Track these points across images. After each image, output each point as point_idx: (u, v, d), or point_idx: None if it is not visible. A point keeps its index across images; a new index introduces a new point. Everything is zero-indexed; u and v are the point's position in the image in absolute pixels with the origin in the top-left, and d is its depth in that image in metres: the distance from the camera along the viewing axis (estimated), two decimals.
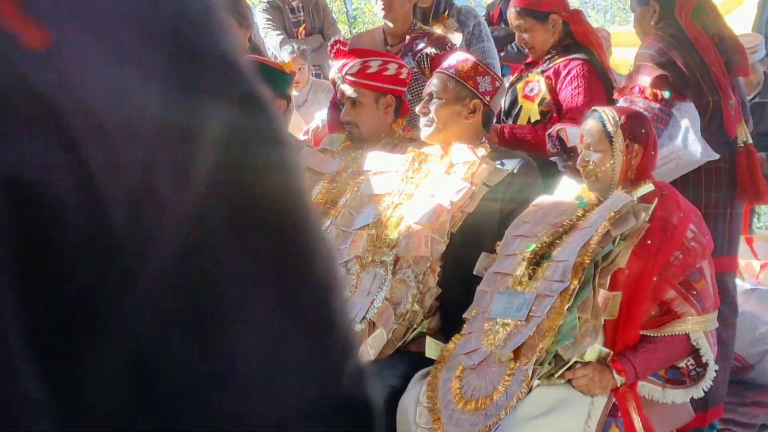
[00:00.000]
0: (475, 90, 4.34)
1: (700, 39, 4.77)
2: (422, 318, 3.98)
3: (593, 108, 4.04)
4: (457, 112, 4.33)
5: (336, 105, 5.15)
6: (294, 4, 8.68)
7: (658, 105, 4.69)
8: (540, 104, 5.02)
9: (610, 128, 3.85)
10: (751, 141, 4.94)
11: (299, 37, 8.44)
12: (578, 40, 5.06)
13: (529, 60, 5.27)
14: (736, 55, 4.91)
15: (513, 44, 8.06)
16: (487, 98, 4.37)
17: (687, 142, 4.53)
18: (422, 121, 4.41)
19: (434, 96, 4.37)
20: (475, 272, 3.98)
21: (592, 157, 3.88)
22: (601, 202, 3.87)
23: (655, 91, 4.69)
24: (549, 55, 5.10)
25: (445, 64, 4.48)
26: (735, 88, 4.93)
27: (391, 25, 5.40)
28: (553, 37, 5.08)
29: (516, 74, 5.30)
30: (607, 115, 3.89)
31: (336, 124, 5.15)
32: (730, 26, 5.07)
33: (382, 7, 5.32)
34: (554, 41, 5.09)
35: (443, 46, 5.29)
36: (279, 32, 8.46)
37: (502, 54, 8.11)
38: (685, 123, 4.62)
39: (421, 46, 5.30)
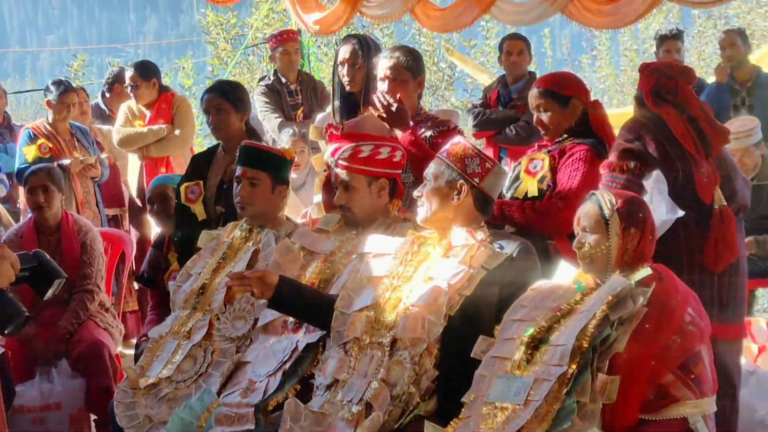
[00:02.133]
0: (462, 172, 4.34)
1: (670, 118, 4.90)
2: (418, 400, 3.96)
3: (591, 192, 4.06)
4: (446, 194, 4.34)
5: (329, 185, 5.18)
6: (292, 87, 8.79)
7: (624, 176, 4.78)
8: (540, 182, 5.06)
9: (606, 211, 3.88)
10: (725, 203, 4.96)
11: (297, 120, 8.51)
12: (593, 128, 5.12)
13: (542, 142, 5.32)
14: (712, 134, 5.01)
15: (512, 126, 8.15)
16: (476, 180, 4.34)
17: (652, 204, 4.55)
18: (418, 204, 4.43)
19: (426, 179, 4.41)
20: (473, 355, 3.97)
21: (587, 239, 3.91)
22: (599, 286, 3.88)
23: (620, 163, 4.80)
24: (560, 138, 5.15)
25: (444, 148, 4.51)
26: (709, 156, 4.99)
27: None
28: (569, 121, 5.15)
29: (529, 152, 5.34)
30: (604, 198, 3.93)
31: (330, 204, 5.18)
32: (706, 110, 5.11)
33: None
34: (569, 125, 5.14)
35: (442, 127, 5.33)
36: (277, 115, 8.55)
37: (500, 137, 8.19)
38: (649, 186, 4.74)
39: (422, 130, 5.33)
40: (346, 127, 5.15)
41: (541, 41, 27.05)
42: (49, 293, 4.02)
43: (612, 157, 4.87)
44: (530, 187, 5.08)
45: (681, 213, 4.73)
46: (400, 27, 19.45)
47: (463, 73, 19.05)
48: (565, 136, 5.15)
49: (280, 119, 8.52)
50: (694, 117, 4.96)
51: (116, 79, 9.84)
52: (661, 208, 4.67)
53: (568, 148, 5.07)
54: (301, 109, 8.74)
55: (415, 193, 4.46)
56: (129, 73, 8.80)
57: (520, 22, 10.64)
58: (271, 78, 8.96)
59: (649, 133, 4.89)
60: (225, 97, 5.97)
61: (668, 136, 4.88)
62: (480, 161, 4.37)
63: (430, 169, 4.41)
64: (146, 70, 8.81)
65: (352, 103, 6.07)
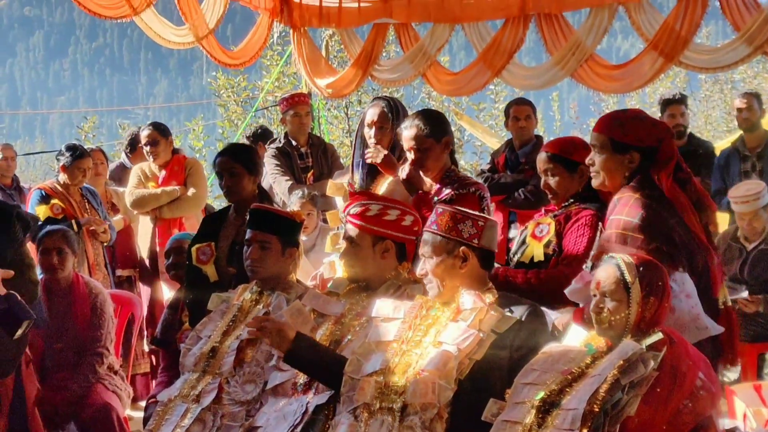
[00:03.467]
0: (459, 239, 4.37)
1: (680, 199, 4.59)
2: None
3: (611, 255, 4.04)
4: (451, 265, 4.36)
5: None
6: (302, 150, 8.80)
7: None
8: (546, 246, 5.05)
9: (628, 278, 3.86)
10: (730, 303, 4.81)
11: (308, 182, 8.54)
12: (600, 194, 5.05)
13: (549, 206, 5.30)
14: (709, 213, 4.74)
15: (521, 191, 8.16)
16: (475, 241, 4.38)
17: (693, 315, 4.42)
18: (425, 281, 4.44)
19: (425, 257, 4.43)
20: (483, 418, 3.96)
21: (607, 304, 3.88)
22: (610, 349, 3.87)
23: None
24: (567, 202, 5.15)
25: (429, 221, 4.52)
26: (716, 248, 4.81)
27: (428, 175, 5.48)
28: (576, 186, 5.13)
29: (536, 216, 5.33)
30: (624, 264, 3.89)
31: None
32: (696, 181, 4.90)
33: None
34: (576, 190, 5.14)
35: (462, 189, 5.34)
36: (287, 178, 8.56)
37: (509, 201, 8.19)
38: (684, 296, 4.41)
39: (446, 191, 5.35)
40: (374, 187, 5.20)
41: (549, 104, 27.20)
42: (19, 333, 4.24)
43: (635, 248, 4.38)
44: (536, 251, 5.07)
45: (721, 329, 4.51)
46: (409, 90, 19.58)
47: (472, 136, 19.18)
48: (571, 200, 5.14)
49: (290, 182, 8.54)
50: (698, 194, 4.72)
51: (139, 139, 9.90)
52: (703, 323, 4.43)
53: (574, 213, 5.06)
54: (311, 171, 8.77)
55: (419, 272, 4.47)
56: (146, 132, 8.83)
57: (531, 87, 10.77)
58: (282, 141, 8.98)
59: (667, 224, 4.49)
60: (238, 161, 5.98)
61: (680, 223, 4.53)
62: (472, 222, 4.41)
63: (426, 246, 4.43)
64: (164, 128, 8.87)
65: (374, 164, 6.10)
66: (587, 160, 4.64)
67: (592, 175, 4.65)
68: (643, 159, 4.54)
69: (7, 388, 5.05)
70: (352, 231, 4.83)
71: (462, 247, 4.36)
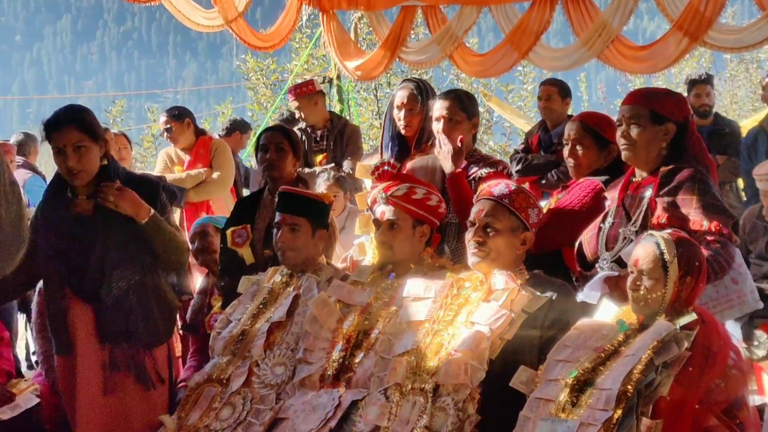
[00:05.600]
0: (526, 222, 4.39)
1: (714, 171, 4.66)
2: None
3: (649, 232, 4.02)
4: (511, 244, 4.39)
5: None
6: (319, 133, 8.76)
7: (729, 244, 4.44)
8: None
9: (667, 257, 3.83)
10: None
11: (319, 165, 8.49)
12: (621, 173, 4.98)
13: (569, 182, 5.27)
14: None
15: (553, 172, 8.14)
16: (534, 230, 4.45)
17: (751, 287, 4.44)
18: (471, 248, 4.43)
19: (489, 225, 4.41)
20: (511, 384, 3.95)
21: (644, 282, 3.86)
22: (642, 326, 3.86)
23: (728, 230, 4.40)
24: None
25: (496, 191, 4.50)
26: None
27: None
28: (601, 163, 5.09)
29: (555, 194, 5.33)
30: (664, 242, 3.87)
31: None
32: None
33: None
34: (599, 167, 5.10)
35: (493, 168, 5.33)
36: None
37: (542, 182, 8.18)
38: (743, 269, 4.52)
39: (474, 169, 5.33)
40: (408, 168, 5.20)
41: (577, 85, 27.06)
42: None
43: (710, 217, 4.37)
44: None
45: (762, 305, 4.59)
46: (438, 72, 19.51)
47: (500, 117, 19.08)
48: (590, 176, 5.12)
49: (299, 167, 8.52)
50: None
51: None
52: (755, 296, 4.51)
53: (584, 182, 5.06)
54: (324, 154, 8.73)
55: (473, 238, 4.45)
56: (161, 119, 8.87)
57: (558, 68, 10.71)
58: (303, 124, 8.95)
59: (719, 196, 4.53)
60: (287, 138, 5.99)
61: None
62: (538, 212, 4.49)
63: (491, 217, 4.41)
64: (178, 112, 8.86)
65: (403, 145, 6.10)
66: (619, 134, 4.61)
67: (622, 148, 4.61)
68: (677, 132, 4.54)
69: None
70: (393, 213, 4.82)
71: (527, 233, 4.41)
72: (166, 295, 5.14)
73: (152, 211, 4.93)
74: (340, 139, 8.85)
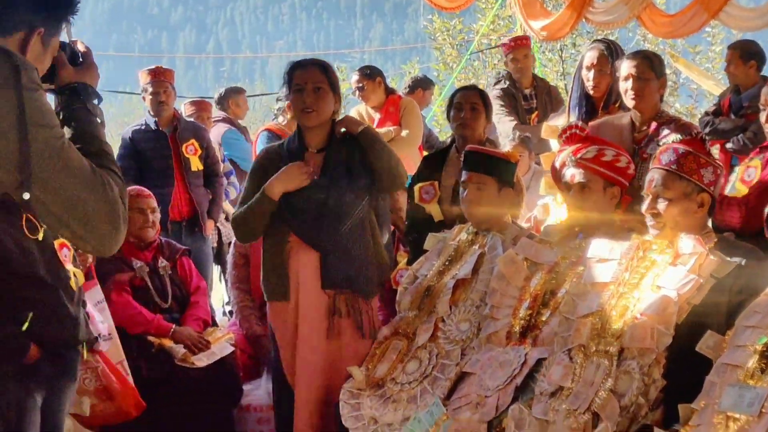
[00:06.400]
0: (700, 183, 4.27)
1: None
2: (647, 410, 3.88)
3: None
4: (686, 209, 4.27)
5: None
6: (527, 91, 8.78)
7: None
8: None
9: None
10: None
11: (532, 124, 8.52)
12: None
13: (765, 143, 5.08)
14: None
15: (739, 137, 7.94)
16: (712, 188, 4.31)
17: None
18: (649, 220, 4.35)
19: (660, 195, 4.33)
20: (697, 348, 3.87)
21: None
22: None
23: None
24: None
25: (664, 158, 4.39)
26: None
27: (639, 114, 5.37)
28: None
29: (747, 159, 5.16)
30: None
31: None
32: None
33: (633, 96, 5.30)
34: None
35: (689, 132, 5.22)
36: (512, 118, 8.58)
37: (729, 145, 7.99)
38: None
39: (665, 132, 5.24)
40: (591, 130, 5.15)
41: None
42: None
43: None
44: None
45: None
46: (623, 33, 19.22)
47: (687, 79, 18.72)
48: None
49: (514, 122, 8.55)
50: None
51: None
52: None
53: None
54: (535, 113, 8.75)
55: (648, 210, 4.38)
56: (354, 78, 8.98)
57: (750, 28, 10.43)
58: (507, 82, 8.99)
59: None
60: (483, 99, 6.10)
61: None
62: (713, 169, 4.31)
63: (661, 186, 4.31)
64: (370, 71, 8.97)
65: (591, 106, 6.05)
66: None
67: None
68: None
69: None
70: (584, 176, 4.77)
71: (703, 194, 4.28)
72: (382, 249, 5.31)
73: (366, 124, 5.20)
74: (548, 98, 8.88)
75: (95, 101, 2.91)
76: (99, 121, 2.86)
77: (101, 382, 5.26)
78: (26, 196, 2.48)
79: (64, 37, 2.93)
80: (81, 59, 2.97)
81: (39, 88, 2.50)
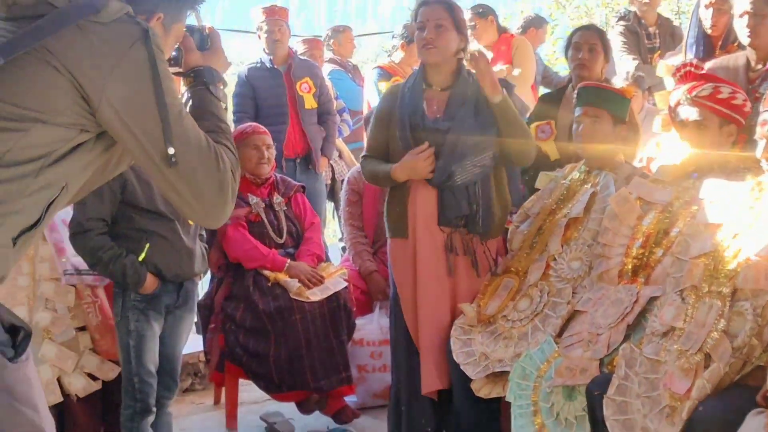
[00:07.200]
0: None
1: None
2: (760, 352, 3.84)
3: None
4: None
5: None
6: (650, 30, 8.66)
7: None
8: None
9: None
10: None
11: (653, 63, 8.42)
12: None
13: None
14: None
15: None
16: None
17: None
18: (764, 164, 4.25)
19: None
20: None
21: None
22: None
23: None
24: None
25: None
26: None
27: (754, 52, 5.29)
28: None
29: None
30: None
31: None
32: None
33: (748, 33, 5.22)
34: None
35: None
36: (634, 56, 8.48)
37: None
38: None
39: None
40: (707, 68, 5.08)
41: None
42: None
43: None
44: None
45: None
46: None
47: None
48: None
49: (636, 61, 8.45)
50: None
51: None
52: None
53: None
54: (658, 52, 8.63)
55: (764, 155, 4.30)
56: (467, 15, 8.95)
57: None
58: (631, 18, 8.88)
59: None
60: (601, 39, 6.07)
61: None
62: None
63: None
64: (482, 9, 8.92)
65: (708, 45, 5.97)
66: None
67: None
68: None
69: None
70: (699, 114, 4.69)
71: None
72: (506, 192, 5.32)
73: (505, 93, 5.12)
74: (672, 39, 8.75)
75: (220, 86, 2.94)
76: (221, 103, 2.90)
77: (99, 317, 5.43)
78: (171, 150, 2.50)
79: (193, 20, 2.98)
80: (209, 44, 3.02)
81: (163, 54, 2.53)
